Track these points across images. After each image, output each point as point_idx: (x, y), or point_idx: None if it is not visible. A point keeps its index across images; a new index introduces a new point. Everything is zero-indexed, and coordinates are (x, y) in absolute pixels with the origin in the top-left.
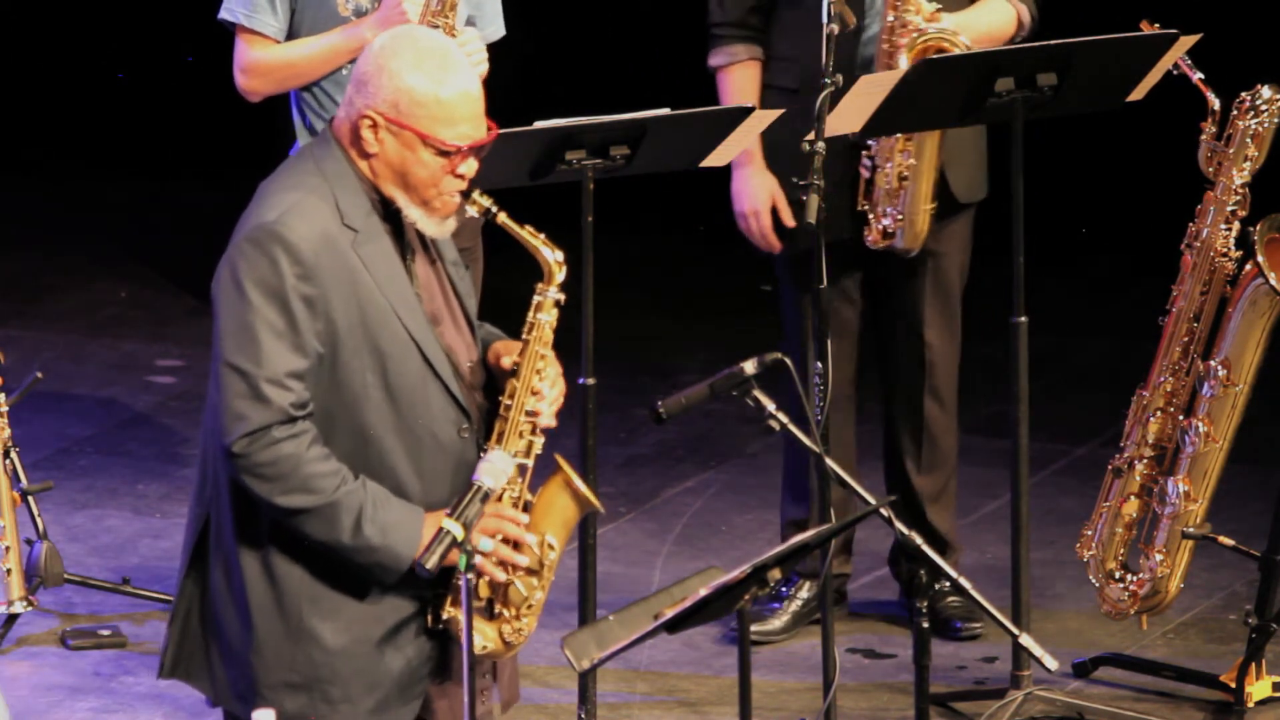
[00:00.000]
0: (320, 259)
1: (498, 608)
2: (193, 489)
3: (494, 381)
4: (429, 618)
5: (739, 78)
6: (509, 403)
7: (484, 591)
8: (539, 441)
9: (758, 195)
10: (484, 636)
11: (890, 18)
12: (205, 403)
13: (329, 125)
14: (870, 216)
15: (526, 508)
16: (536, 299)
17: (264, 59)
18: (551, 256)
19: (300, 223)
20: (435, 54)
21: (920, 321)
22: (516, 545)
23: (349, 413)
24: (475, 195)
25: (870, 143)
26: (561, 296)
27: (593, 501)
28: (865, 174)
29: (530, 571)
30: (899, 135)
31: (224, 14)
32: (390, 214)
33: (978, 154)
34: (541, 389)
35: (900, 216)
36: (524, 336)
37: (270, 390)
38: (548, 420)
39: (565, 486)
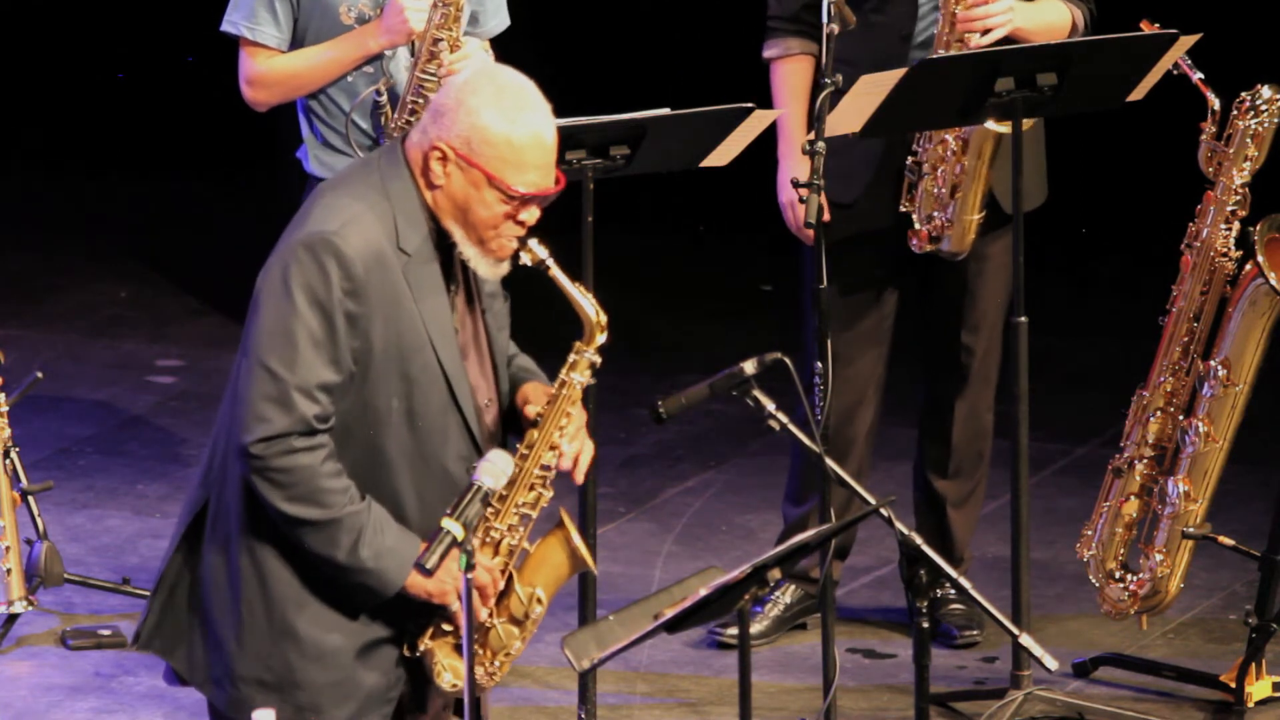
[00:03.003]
0: (370, 277)
1: (475, 649)
2: (198, 469)
3: (512, 420)
4: (404, 648)
5: (789, 71)
6: (525, 452)
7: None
8: (547, 495)
9: (794, 188)
10: (454, 674)
11: (948, 34)
12: (226, 389)
13: (401, 143)
14: (914, 219)
15: (521, 557)
16: (572, 357)
17: (268, 71)
18: (595, 316)
19: (358, 237)
20: (514, 96)
21: (959, 326)
22: (498, 592)
23: (367, 431)
24: (531, 244)
25: (917, 147)
26: (598, 360)
27: (588, 562)
28: (910, 178)
29: (514, 621)
30: (953, 147)
31: (226, 26)
32: (443, 244)
33: (1033, 162)
34: (560, 445)
35: (949, 222)
36: (553, 392)
37: (299, 398)
38: (575, 469)
39: (564, 543)
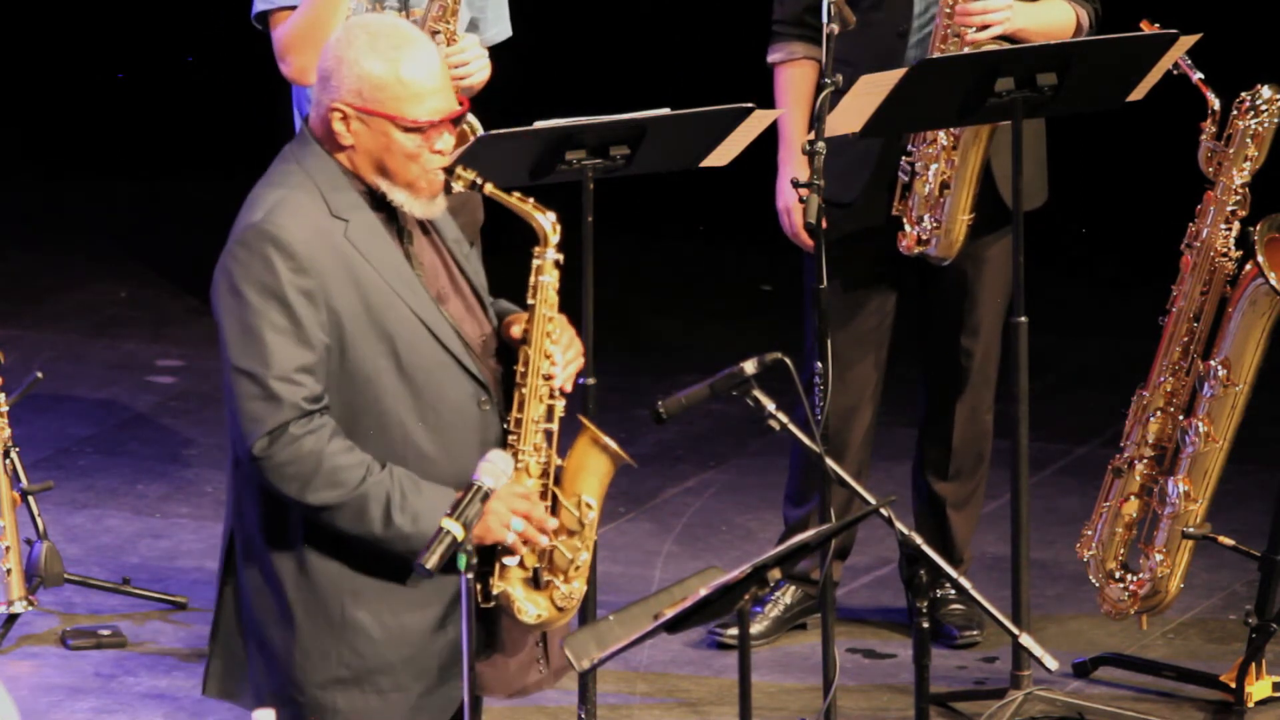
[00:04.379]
0: (313, 250)
1: (544, 576)
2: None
3: (511, 353)
4: (479, 596)
5: (792, 76)
6: (524, 370)
7: (530, 562)
8: (560, 404)
9: (792, 193)
10: (536, 606)
11: (946, 27)
12: (225, 414)
13: (305, 124)
14: (905, 222)
15: (557, 473)
16: (535, 262)
17: (286, 33)
18: (544, 220)
19: (288, 218)
20: (388, 35)
21: (959, 329)
22: (546, 518)
23: (367, 400)
24: (459, 170)
25: (911, 148)
26: (560, 256)
27: (622, 455)
28: (903, 178)
29: (571, 533)
30: (943, 143)
31: (259, 5)
32: (381, 202)
33: (1034, 162)
34: (554, 352)
35: (937, 225)
36: (529, 301)
37: (281, 388)
38: (563, 382)
39: (593, 444)
